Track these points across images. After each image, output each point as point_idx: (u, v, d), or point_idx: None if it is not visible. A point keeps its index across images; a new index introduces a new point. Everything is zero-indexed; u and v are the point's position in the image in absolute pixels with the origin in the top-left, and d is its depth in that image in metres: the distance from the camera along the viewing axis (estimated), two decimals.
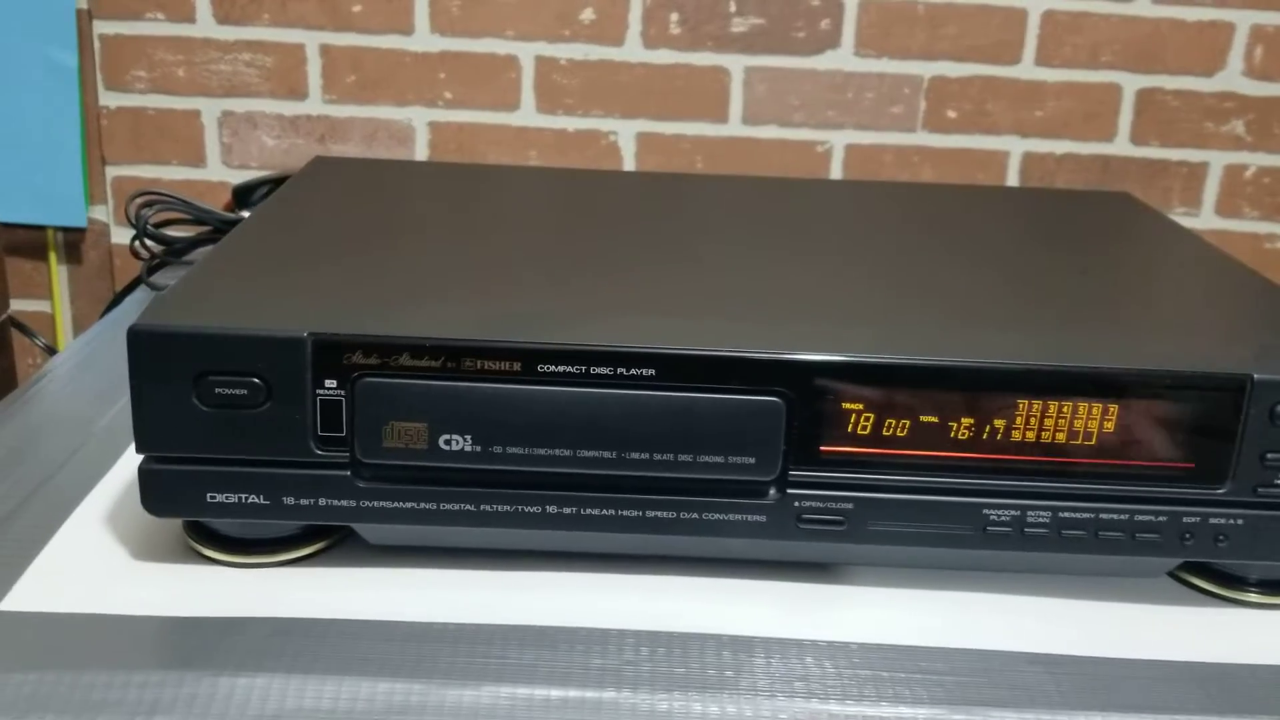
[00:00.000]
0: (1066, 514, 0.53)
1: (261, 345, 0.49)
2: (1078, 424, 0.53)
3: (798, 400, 0.51)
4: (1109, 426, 0.53)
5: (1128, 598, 0.57)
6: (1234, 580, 0.57)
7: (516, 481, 0.51)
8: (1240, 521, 0.53)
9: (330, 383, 0.49)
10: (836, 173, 1.42)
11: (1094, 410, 0.52)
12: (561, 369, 0.50)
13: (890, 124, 1.41)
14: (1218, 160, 1.38)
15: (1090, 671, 0.51)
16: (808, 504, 0.53)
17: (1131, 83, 1.37)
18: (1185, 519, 0.53)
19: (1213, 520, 0.53)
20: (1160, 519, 0.53)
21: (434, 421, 0.50)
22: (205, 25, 1.34)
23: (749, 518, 0.53)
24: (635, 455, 0.51)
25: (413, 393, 0.49)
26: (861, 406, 0.52)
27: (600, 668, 0.48)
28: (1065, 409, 0.52)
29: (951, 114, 1.40)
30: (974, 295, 0.60)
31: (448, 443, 0.50)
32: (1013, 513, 0.53)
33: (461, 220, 0.70)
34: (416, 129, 1.39)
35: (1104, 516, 0.53)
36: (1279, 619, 0.56)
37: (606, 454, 0.51)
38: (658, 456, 0.51)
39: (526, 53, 1.37)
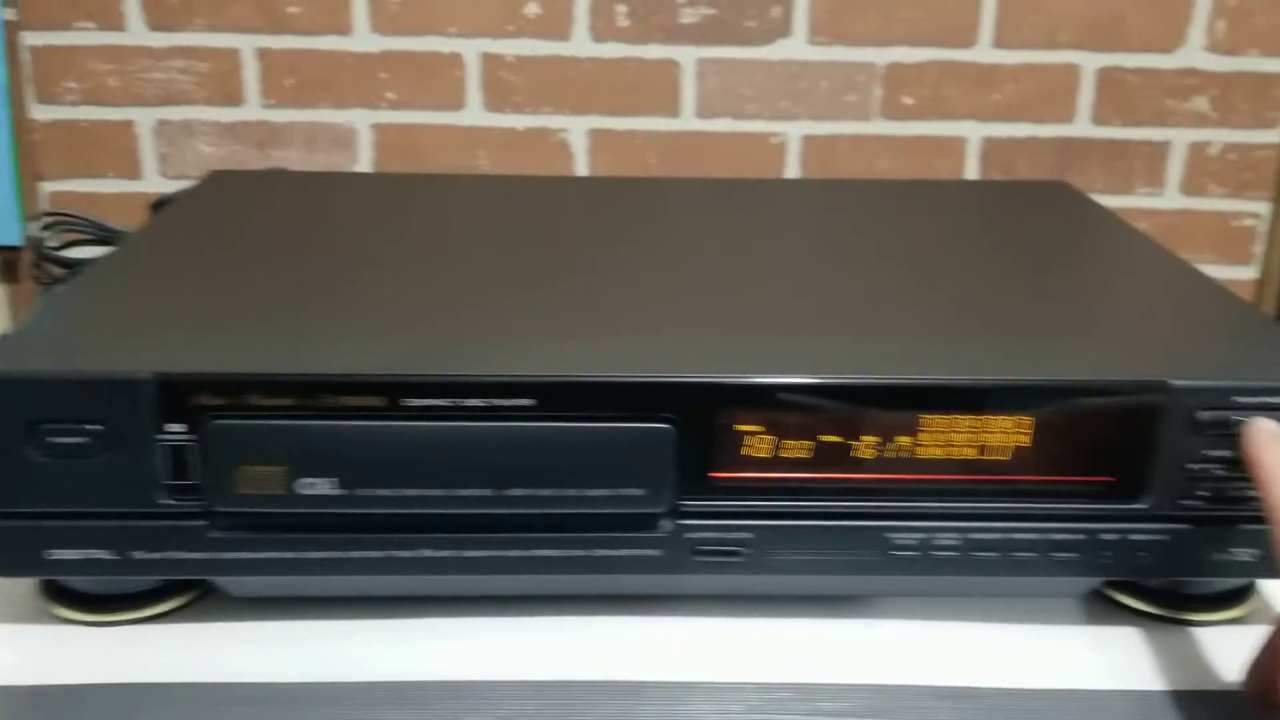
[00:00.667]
0: (976, 535, 0.50)
1: (99, 388, 0.45)
2: (987, 439, 0.50)
3: (687, 426, 0.48)
4: (1020, 441, 0.49)
5: (1051, 620, 0.53)
6: (1168, 597, 0.54)
7: (386, 525, 0.48)
8: (1163, 537, 0.50)
9: (177, 426, 0.46)
10: (793, 164, 1.39)
11: (1004, 424, 0.49)
12: (428, 403, 0.47)
13: (846, 113, 1.37)
14: (1181, 138, 1.35)
15: (1005, 705, 0.48)
16: (703, 535, 0.50)
17: (1091, 62, 1.33)
18: (1103, 536, 0.50)
19: (1133, 536, 0.50)
20: (1077, 537, 0.50)
21: (292, 464, 0.47)
22: (137, 33, 1.31)
23: (641, 552, 0.50)
24: (514, 492, 0.48)
25: (267, 434, 0.46)
26: (758, 429, 0.49)
27: None
28: (973, 424, 0.49)
29: (908, 101, 1.37)
30: (883, 304, 0.57)
31: (308, 486, 0.47)
32: (919, 535, 0.50)
33: (345, 240, 0.66)
34: (359, 132, 1.36)
35: (1016, 536, 0.50)
36: (1218, 637, 0.53)
37: (483, 491, 0.48)
38: (539, 492, 0.48)
39: (471, 50, 1.34)
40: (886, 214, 0.75)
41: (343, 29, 1.32)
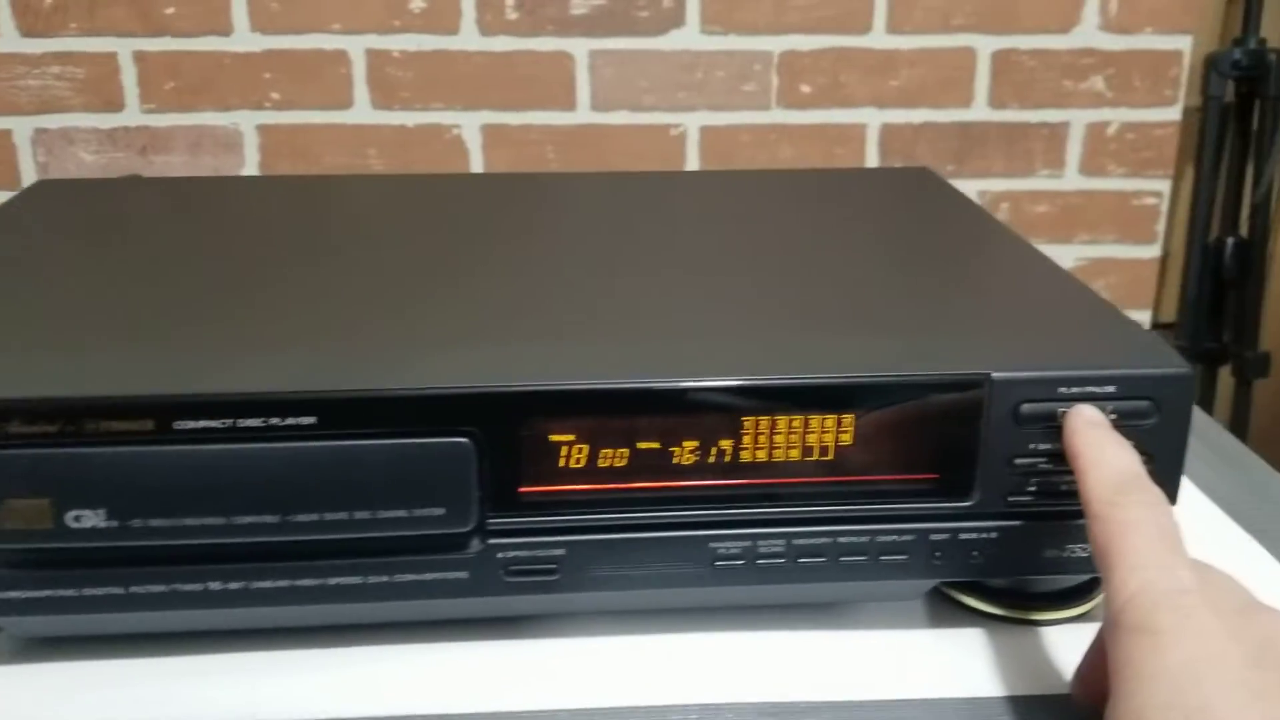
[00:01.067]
0: (802, 541, 0.48)
1: None
2: (811, 440, 0.47)
3: (488, 439, 0.45)
4: (844, 440, 0.47)
5: (890, 625, 0.51)
6: (1011, 596, 0.52)
7: (166, 557, 0.45)
8: (994, 535, 0.48)
9: None
10: (693, 156, 1.37)
11: (827, 424, 0.47)
12: (202, 424, 0.44)
13: (744, 103, 1.36)
14: (1079, 119, 1.34)
15: (829, 719, 0.45)
16: (513, 554, 0.47)
17: (986, 45, 1.32)
18: (933, 536, 0.48)
19: (963, 535, 0.48)
20: (906, 538, 0.48)
21: (58, 496, 0.44)
22: (9, 40, 1.27)
23: (448, 575, 0.47)
24: (303, 517, 0.45)
25: (28, 464, 0.43)
26: (570, 438, 0.46)
27: None
28: (795, 424, 0.47)
29: (806, 89, 1.35)
30: (712, 301, 0.55)
31: (77, 519, 0.44)
32: (743, 544, 0.48)
33: (144, 252, 0.62)
34: (245, 134, 1.32)
35: (844, 540, 0.48)
36: (1063, 636, 0.51)
37: (269, 518, 0.45)
38: (330, 516, 0.45)
39: (356, 46, 1.31)
40: (739, 208, 0.73)
41: (222, 29, 1.29)
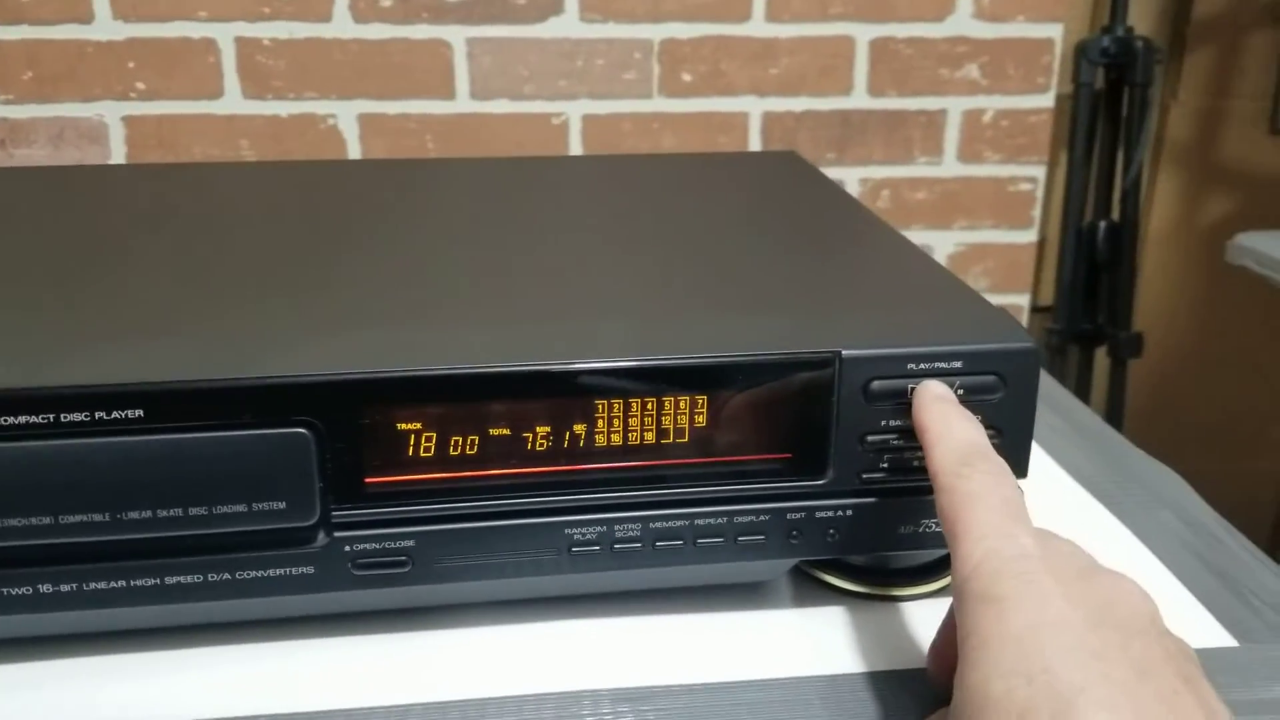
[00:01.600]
0: (659, 524, 0.47)
1: None
2: (665, 422, 0.47)
3: (329, 429, 0.44)
4: (698, 421, 0.47)
5: (749, 606, 0.51)
6: (871, 573, 0.52)
7: None
8: (849, 512, 0.48)
9: None
10: (576, 145, 1.36)
11: (681, 405, 0.46)
12: (21, 419, 0.42)
13: (625, 91, 1.35)
14: (955, 106, 1.36)
15: (687, 704, 0.45)
16: (360, 546, 0.46)
17: (864, 33, 1.33)
18: (790, 515, 0.48)
19: (819, 514, 0.48)
20: (762, 518, 0.48)
21: None
22: None
23: (293, 570, 0.46)
24: (134, 515, 0.43)
25: None
26: (416, 426, 0.45)
27: None
28: (649, 406, 0.46)
29: (687, 77, 1.35)
30: (567, 282, 0.54)
31: None
32: (599, 529, 0.47)
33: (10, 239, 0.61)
34: (110, 125, 1.28)
35: (700, 522, 0.47)
36: (925, 612, 0.51)
37: (98, 517, 0.43)
38: (163, 513, 0.43)
39: (224, 34, 1.27)
40: (607, 192, 0.73)
41: (82, 17, 1.25)
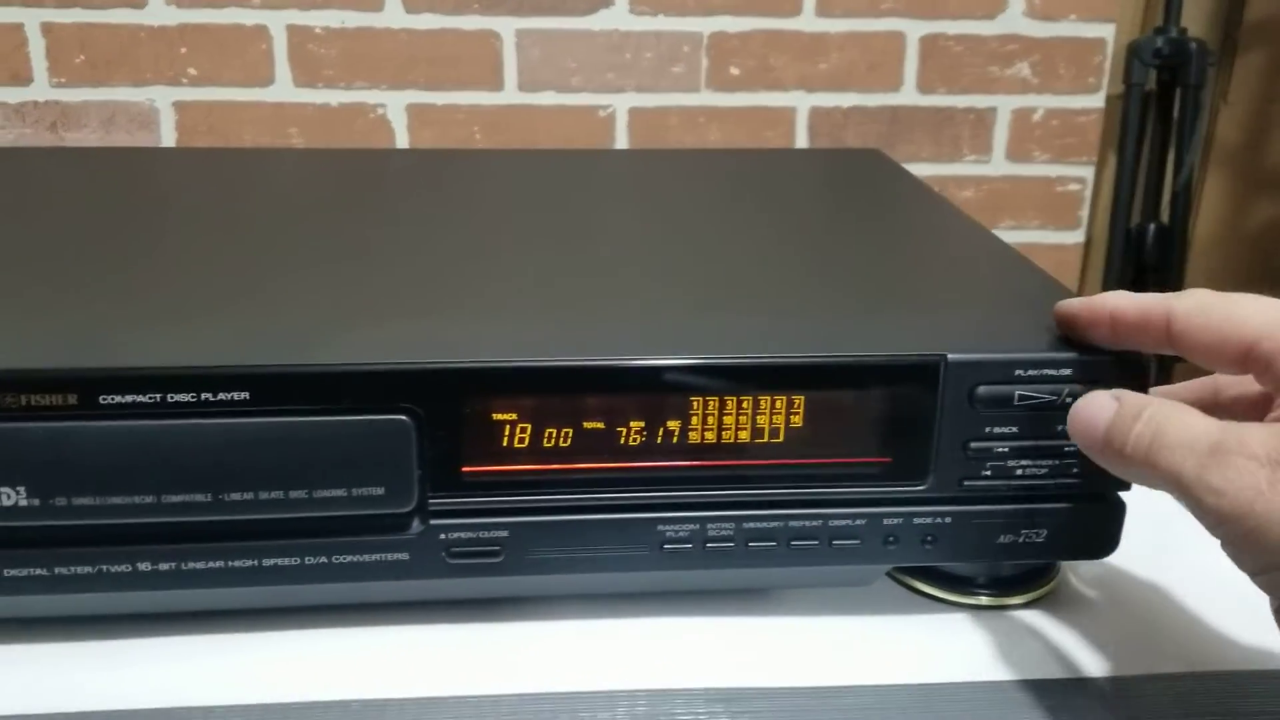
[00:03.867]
0: (752, 524, 0.47)
1: None
2: (761, 422, 0.46)
3: (429, 417, 0.44)
4: (794, 422, 0.46)
5: (838, 611, 0.51)
6: (960, 582, 0.51)
7: (93, 538, 0.43)
8: (948, 520, 0.47)
9: None
10: (621, 138, 1.36)
11: (778, 404, 0.46)
12: (130, 398, 0.41)
13: (673, 84, 1.34)
14: (1005, 105, 1.35)
15: (779, 706, 0.44)
16: (455, 535, 0.45)
17: (914, 30, 1.32)
18: (887, 520, 0.47)
19: (917, 520, 0.47)
20: (858, 523, 0.47)
21: None
22: None
23: (388, 557, 0.45)
24: (236, 496, 0.43)
25: None
26: (510, 419, 0.45)
27: None
28: (745, 405, 0.46)
29: (735, 71, 1.34)
30: (664, 279, 0.54)
31: None
32: (691, 526, 0.47)
33: (66, 220, 0.60)
34: (160, 110, 1.28)
35: (794, 524, 0.47)
36: (1009, 624, 0.50)
37: (200, 497, 0.43)
38: (265, 495, 0.43)
39: (276, 22, 1.27)
40: (694, 185, 0.72)
41: (136, 2, 1.25)
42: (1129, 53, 1.40)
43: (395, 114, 1.32)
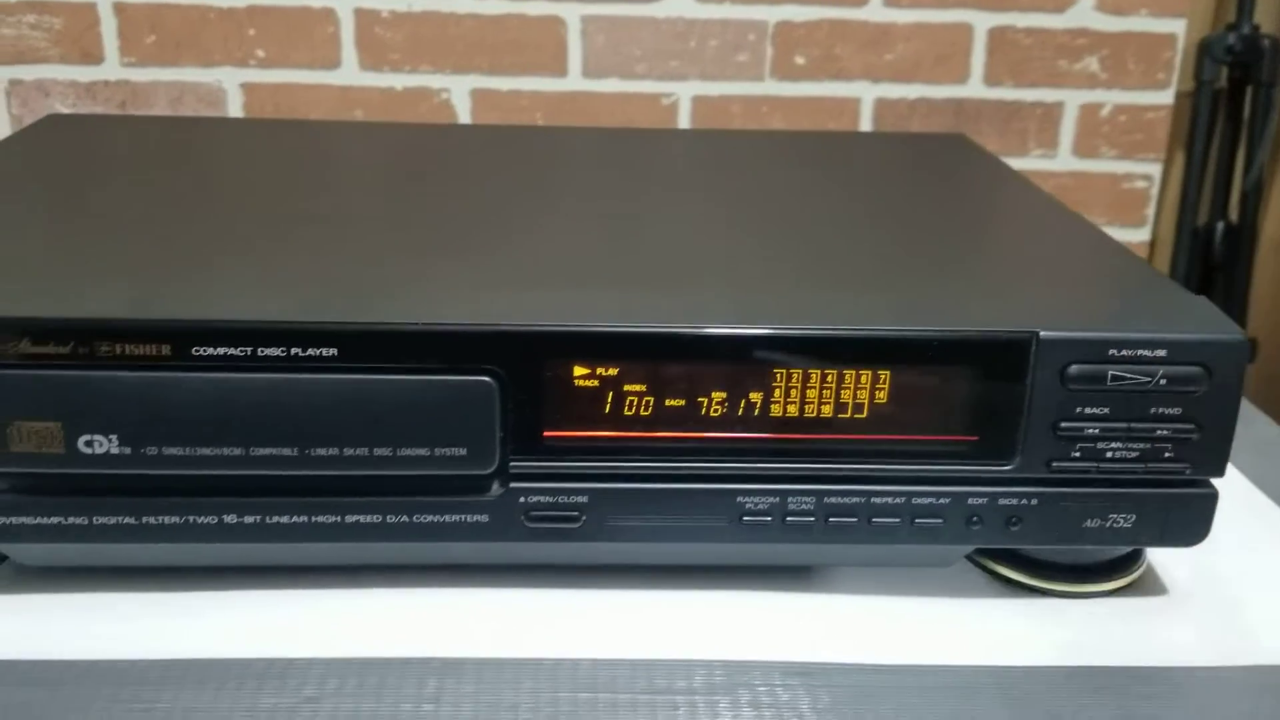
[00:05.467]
0: (833, 499, 0.46)
1: None
2: (844, 396, 0.46)
3: (513, 379, 0.44)
4: (880, 397, 0.46)
5: (915, 592, 0.50)
6: (1043, 567, 0.50)
7: (181, 488, 0.43)
8: (1034, 501, 0.47)
9: None
10: (684, 125, 1.35)
11: (862, 379, 0.46)
12: (221, 351, 0.42)
13: (737, 73, 1.34)
14: (1073, 99, 1.34)
15: (855, 682, 0.44)
16: (534, 499, 0.45)
17: (982, 22, 1.31)
18: (971, 500, 0.47)
19: (1002, 501, 0.47)
20: (942, 501, 0.47)
21: (69, 419, 0.42)
22: None
23: (468, 518, 0.45)
24: (322, 451, 0.43)
25: (40, 385, 0.41)
26: (593, 384, 0.45)
27: (270, 708, 0.41)
28: (830, 378, 0.45)
29: (800, 60, 1.33)
30: (745, 253, 0.53)
31: (89, 444, 0.42)
32: (771, 500, 0.46)
33: (159, 183, 0.61)
34: (228, 91, 1.29)
35: (877, 501, 0.46)
36: (1091, 611, 0.49)
37: (287, 451, 0.43)
38: (349, 452, 0.43)
39: (344, 5, 1.28)
40: (776, 164, 0.72)
41: None
42: (1200, 49, 1.38)
43: (459, 98, 1.33)
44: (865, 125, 1.35)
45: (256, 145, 0.71)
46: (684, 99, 1.34)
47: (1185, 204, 1.41)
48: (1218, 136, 1.42)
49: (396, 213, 0.57)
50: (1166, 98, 1.33)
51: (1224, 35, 1.36)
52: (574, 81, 1.33)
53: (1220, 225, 1.42)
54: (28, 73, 1.27)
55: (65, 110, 1.28)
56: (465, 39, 1.30)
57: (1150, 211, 1.37)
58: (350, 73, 1.31)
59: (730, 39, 1.32)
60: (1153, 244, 1.43)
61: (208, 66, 1.29)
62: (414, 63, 1.31)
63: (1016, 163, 1.35)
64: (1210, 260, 1.42)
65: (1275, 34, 1.39)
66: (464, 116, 1.33)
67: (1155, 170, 1.35)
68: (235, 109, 1.30)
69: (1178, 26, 1.31)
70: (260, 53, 1.28)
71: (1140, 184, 1.36)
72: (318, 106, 1.31)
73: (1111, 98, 1.33)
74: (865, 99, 1.34)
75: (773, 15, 1.31)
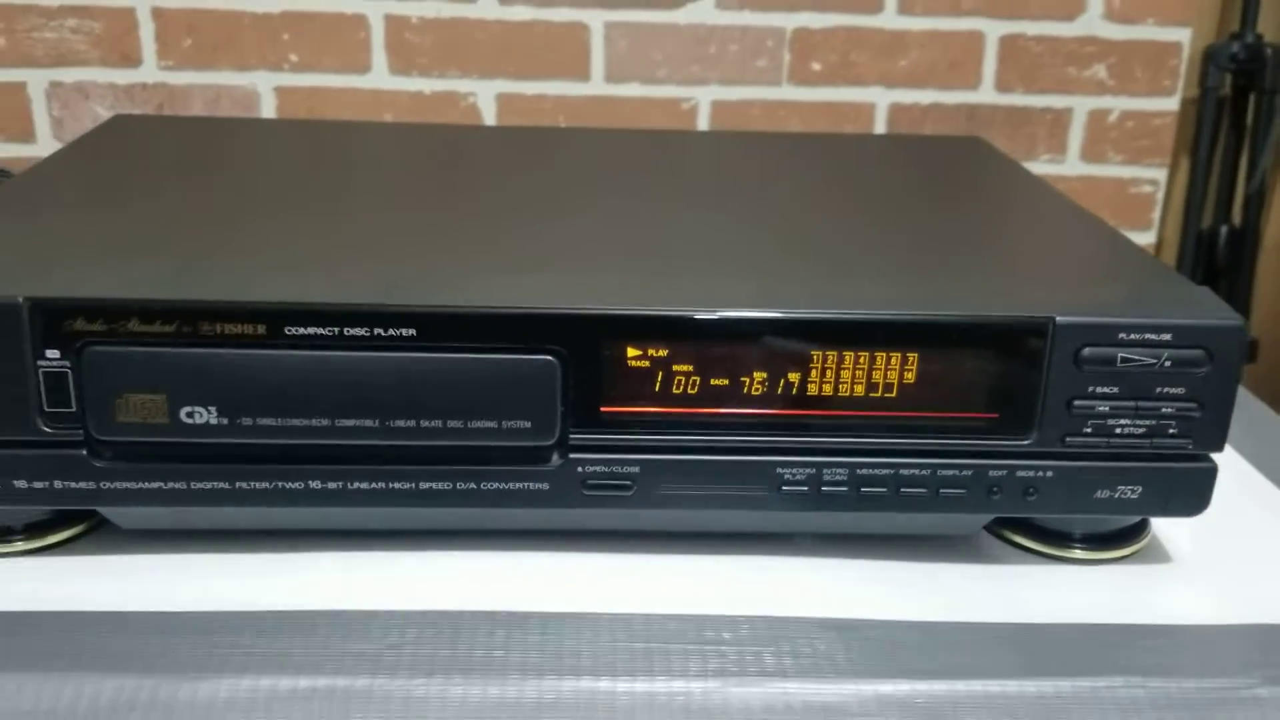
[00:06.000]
0: (865, 471, 0.50)
1: None
2: (875, 376, 0.50)
3: (573, 358, 0.48)
4: (908, 377, 0.50)
5: (939, 558, 0.54)
6: (1057, 536, 0.55)
7: (272, 456, 0.48)
8: (1050, 474, 0.51)
9: (53, 352, 0.45)
10: (703, 130, 1.39)
11: (892, 361, 0.50)
12: (311, 330, 0.46)
13: (755, 78, 1.38)
14: (1081, 105, 1.37)
15: (885, 636, 0.48)
16: (592, 468, 0.50)
17: (994, 29, 1.35)
18: (992, 473, 0.51)
19: (1020, 473, 0.51)
20: (965, 473, 0.51)
21: (173, 392, 0.46)
22: None
23: (530, 485, 0.49)
24: (400, 423, 0.47)
25: (146, 361, 0.45)
26: (646, 364, 0.49)
27: (357, 653, 0.45)
28: (862, 360, 0.49)
29: (816, 66, 1.37)
30: (782, 244, 0.57)
31: (190, 415, 0.46)
32: (808, 471, 0.50)
33: (241, 179, 0.66)
34: (262, 95, 1.33)
35: (905, 473, 0.51)
36: (1101, 576, 0.54)
37: (369, 423, 0.47)
38: (425, 424, 0.47)
39: (375, 11, 1.32)
40: (802, 164, 0.76)
41: None
42: (1205, 57, 1.42)
43: (485, 102, 1.37)
44: (880, 129, 1.39)
45: (309, 146, 0.75)
46: (703, 103, 1.38)
47: (1190, 208, 1.45)
48: (1222, 142, 1.46)
49: (470, 205, 0.62)
50: (1172, 104, 1.37)
51: (1228, 44, 1.40)
52: (596, 86, 1.37)
53: (1224, 229, 1.46)
54: (68, 75, 1.31)
55: (105, 112, 1.32)
56: (492, 44, 1.34)
57: (1156, 215, 1.41)
58: (380, 77, 1.35)
59: (749, 45, 1.36)
60: (1158, 247, 1.47)
61: (243, 70, 1.33)
62: (442, 67, 1.35)
63: (1026, 167, 1.39)
64: (1214, 263, 1.46)
65: (1278, 43, 1.43)
66: (489, 119, 1.37)
67: (1161, 175, 1.39)
68: (269, 111, 1.34)
69: (1183, 35, 1.35)
70: (294, 57, 1.32)
71: (1146, 188, 1.40)
72: (348, 109, 1.35)
73: (1119, 104, 1.37)
74: (880, 104, 1.38)
75: (790, 22, 1.35)
